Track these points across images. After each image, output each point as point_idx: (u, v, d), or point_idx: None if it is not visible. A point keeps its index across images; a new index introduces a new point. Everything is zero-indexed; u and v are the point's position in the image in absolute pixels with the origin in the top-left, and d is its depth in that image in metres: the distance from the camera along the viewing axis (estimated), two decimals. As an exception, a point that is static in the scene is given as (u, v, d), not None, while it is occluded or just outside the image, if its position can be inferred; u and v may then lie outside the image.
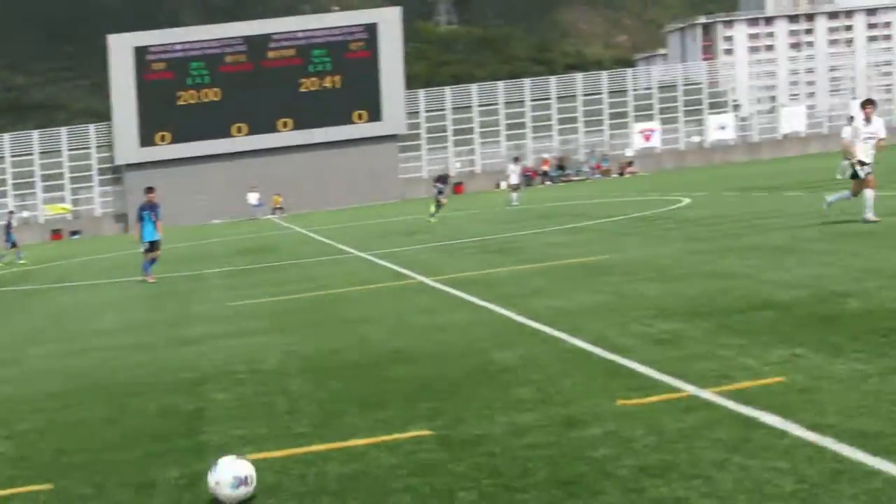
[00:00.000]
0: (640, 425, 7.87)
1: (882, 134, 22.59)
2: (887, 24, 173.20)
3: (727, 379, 8.99)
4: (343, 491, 7.04)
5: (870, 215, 21.99)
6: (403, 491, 6.87)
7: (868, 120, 22.56)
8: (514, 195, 50.69)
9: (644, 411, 8.30)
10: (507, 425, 8.33)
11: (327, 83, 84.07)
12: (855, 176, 22.74)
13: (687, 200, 38.00)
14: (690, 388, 8.85)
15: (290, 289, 21.44)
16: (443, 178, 46.92)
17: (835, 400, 8.01)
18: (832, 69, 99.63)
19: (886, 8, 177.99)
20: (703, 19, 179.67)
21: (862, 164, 22.46)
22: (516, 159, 54.61)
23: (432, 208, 44.15)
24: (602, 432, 7.78)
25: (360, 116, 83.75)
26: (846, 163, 23.04)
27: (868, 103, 22.79)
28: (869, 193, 22.18)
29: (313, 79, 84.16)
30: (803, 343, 10.26)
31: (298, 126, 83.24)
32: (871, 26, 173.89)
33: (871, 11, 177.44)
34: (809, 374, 8.95)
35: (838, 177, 40.27)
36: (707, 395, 8.61)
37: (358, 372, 11.30)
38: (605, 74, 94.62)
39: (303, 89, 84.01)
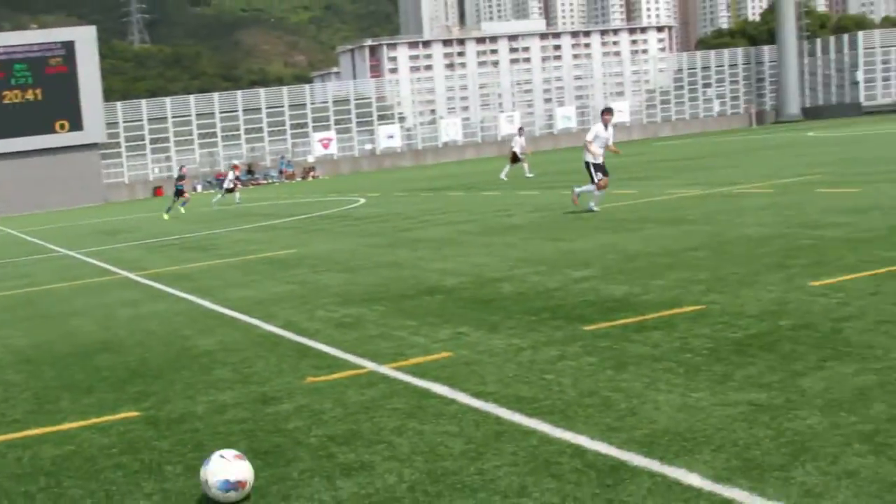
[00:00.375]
0: (328, 399, 7.90)
1: (611, 140, 23.10)
2: (526, 49, 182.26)
3: (402, 356, 9.14)
4: (58, 471, 6.73)
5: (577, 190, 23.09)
6: (114, 468, 6.63)
7: (606, 126, 23.08)
8: (234, 197, 50.11)
9: (331, 387, 8.33)
10: (208, 404, 8.18)
11: (29, 95, 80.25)
12: (597, 171, 23.08)
13: (362, 200, 38.41)
14: (371, 365, 8.95)
15: (3, 286, 20.33)
16: (181, 178, 45.86)
17: (494, 371, 8.28)
18: (482, 86, 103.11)
19: (525, 34, 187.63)
20: (369, 42, 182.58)
21: (597, 167, 22.94)
22: (235, 166, 53.12)
23: (176, 207, 44.12)
24: (294, 407, 7.76)
25: (62, 126, 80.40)
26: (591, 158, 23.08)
27: (607, 111, 23.27)
28: (599, 193, 22.87)
29: (16, 91, 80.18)
30: (466, 322, 10.56)
31: (3, 136, 79.20)
32: (513, 50, 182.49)
33: (513, 37, 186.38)
34: (472, 349, 9.22)
35: (503, 178, 41.55)
36: (385, 370, 8.73)
37: (69, 361, 10.82)
38: (285, 90, 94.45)
39: (6, 101, 79.94)
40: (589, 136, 23.01)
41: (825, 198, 20.33)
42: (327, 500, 5.63)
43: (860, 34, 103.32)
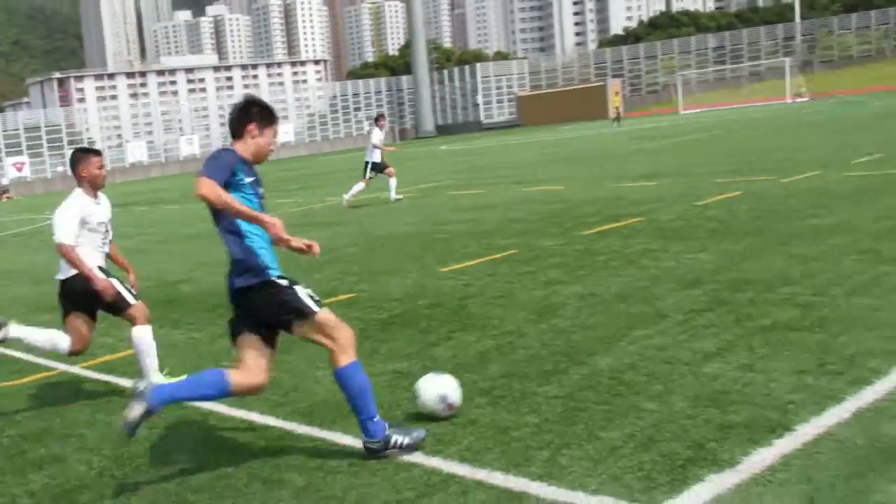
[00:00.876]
0: (21, 401, 7.38)
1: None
2: (202, 80, 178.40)
3: (92, 356, 8.66)
4: None
5: (393, 195, 22.37)
6: None
7: (381, 129, 22.66)
8: None
9: (24, 389, 7.79)
10: None
11: None
12: (374, 170, 22.63)
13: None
14: (62, 367, 8.45)
15: None
16: None
17: (177, 361, 8.01)
18: (164, 113, 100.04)
19: (200, 67, 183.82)
20: (58, 74, 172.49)
21: (375, 166, 22.59)
22: None
23: None
24: (-12, 411, 7.20)
25: None
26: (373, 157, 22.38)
27: (381, 117, 22.75)
28: (392, 182, 22.51)
29: None
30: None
31: None
32: (191, 81, 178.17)
33: (190, 70, 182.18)
34: (157, 344, 8.90)
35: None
36: (76, 370, 8.27)
37: None
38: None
39: None
40: (376, 139, 22.64)
41: (455, 199, 21.13)
42: (19, 493, 5.25)
43: (478, 65, 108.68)
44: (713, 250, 10.45)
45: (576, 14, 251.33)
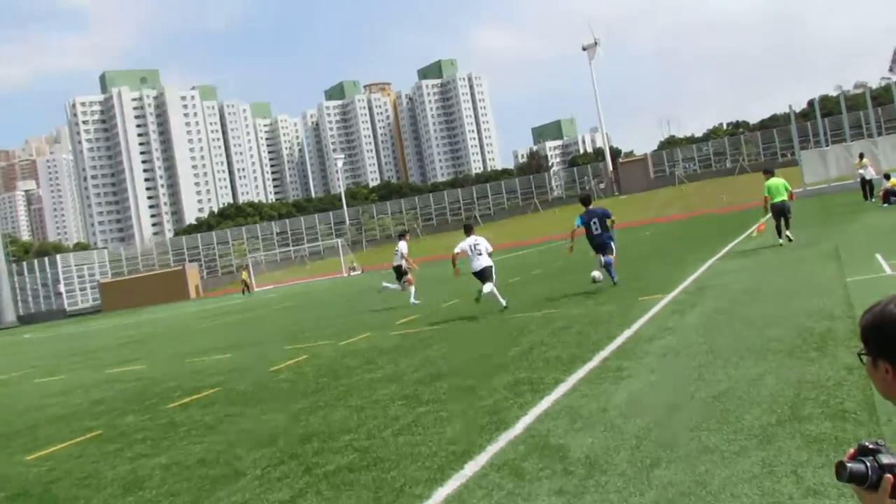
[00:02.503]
0: None
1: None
2: None
3: None
4: None
5: None
6: None
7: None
8: None
9: None
10: None
11: None
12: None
13: None
14: None
15: None
16: None
17: None
18: None
19: None
20: None
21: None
22: None
23: None
24: None
25: None
26: None
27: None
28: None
29: None
30: None
31: None
32: None
33: None
34: None
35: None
36: None
37: None
38: None
39: None
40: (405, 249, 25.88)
41: (41, 386, 19.51)
42: None
43: (58, 256, 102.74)
44: (285, 410, 10.66)
45: (151, 207, 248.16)
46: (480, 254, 19.01)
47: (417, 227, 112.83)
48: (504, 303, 18.92)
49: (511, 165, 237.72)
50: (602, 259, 19.61)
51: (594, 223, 19.71)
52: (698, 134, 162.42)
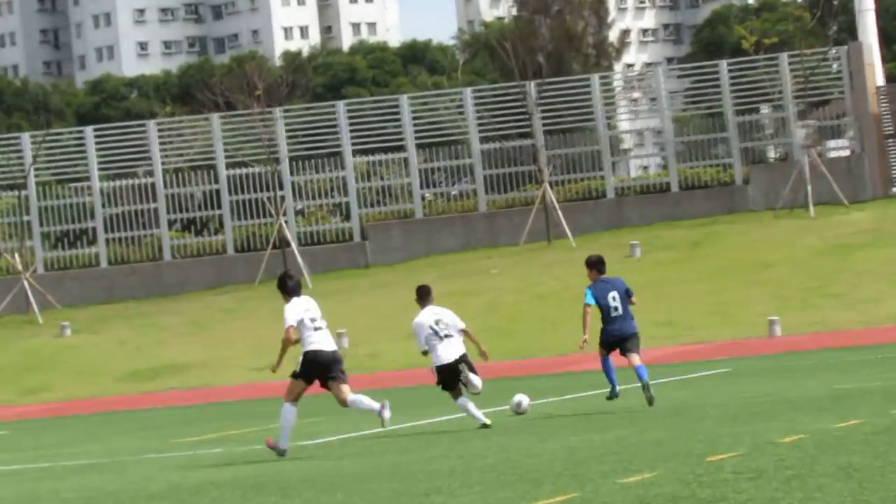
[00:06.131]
0: None
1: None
2: None
3: None
4: None
5: None
6: None
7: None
8: None
9: None
10: None
11: None
12: None
13: None
14: None
15: None
16: None
17: None
18: None
19: None
20: None
21: None
22: None
23: None
24: None
25: None
26: None
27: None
28: None
29: None
30: None
31: None
32: None
33: None
34: None
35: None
36: None
37: None
38: None
39: None
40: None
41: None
42: None
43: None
44: None
45: None
46: (449, 335, 15.16)
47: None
48: (485, 419, 15.02)
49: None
50: (632, 359, 15.96)
51: (613, 300, 16.24)
52: None
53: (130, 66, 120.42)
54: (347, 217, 48.19)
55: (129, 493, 10.63)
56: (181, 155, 49.08)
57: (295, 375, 13.06)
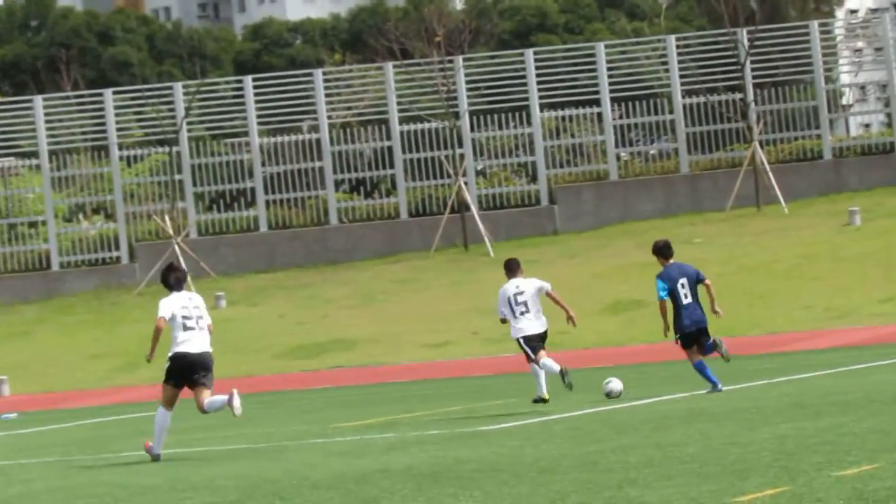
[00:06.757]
0: None
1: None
2: None
3: None
4: None
5: None
6: None
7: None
8: None
9: None
10: None
11: None
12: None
13: None
14: None
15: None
16: None
17: None
18: None
19: None
20: None
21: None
22: None
23: None
24: None
25: None
26: None
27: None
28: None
29: None
30: None
31: None
32: None
33: None
34: None
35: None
36: None
37: None
38: None
39: None
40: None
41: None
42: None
43: None
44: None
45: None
46: (525, 312, 17.20)
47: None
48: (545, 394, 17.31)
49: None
50: (716, 342, 17.91)
51: (682, 287, 17.91)
52: None
53: (295, 10, 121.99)
54: (534, 178, 48.18)
55: (290, 481, 10.70)
56: (350, 108, 49.68)
57: (165, 381, 14.09)
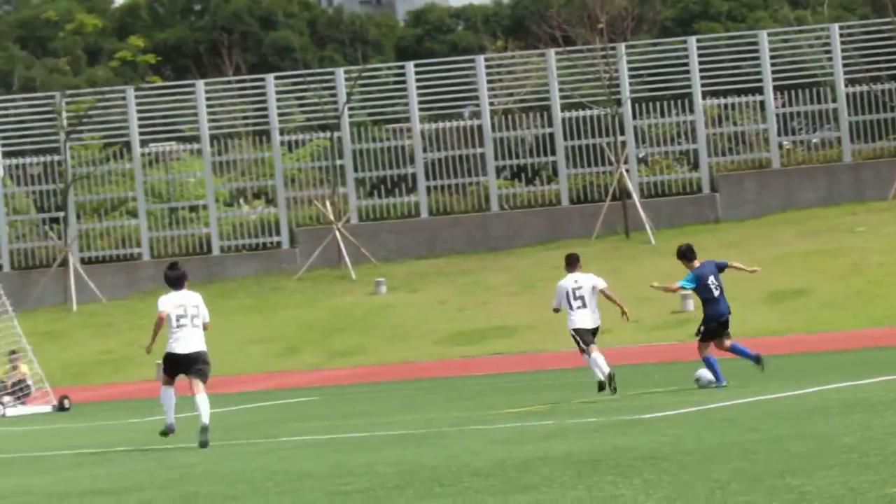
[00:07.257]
0: None
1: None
2: None
3: None
4: None
5: None
6: None
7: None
8: None
9: None
10: None
11: None
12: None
13: None
14: None
15: None
16: None
17: None
18: None
19: None
20: None
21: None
22: None
23: None
24: None
25: None
26: None
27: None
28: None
29: None
30: None
31: None
32: None
33: None
34: None
35: None
36: None
37: None
38: None
39: None
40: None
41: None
42: None
43: None
44: None
45: None
46: (582, 306, 18.74)
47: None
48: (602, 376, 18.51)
49: None
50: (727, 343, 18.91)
51: (712, 281, 18.86)
52: None
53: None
54: (695, 166, 47.77)
55: (450, 468, 10.76)
56: (512, 94, 49.70)
57: (163, 370, 15.60)
